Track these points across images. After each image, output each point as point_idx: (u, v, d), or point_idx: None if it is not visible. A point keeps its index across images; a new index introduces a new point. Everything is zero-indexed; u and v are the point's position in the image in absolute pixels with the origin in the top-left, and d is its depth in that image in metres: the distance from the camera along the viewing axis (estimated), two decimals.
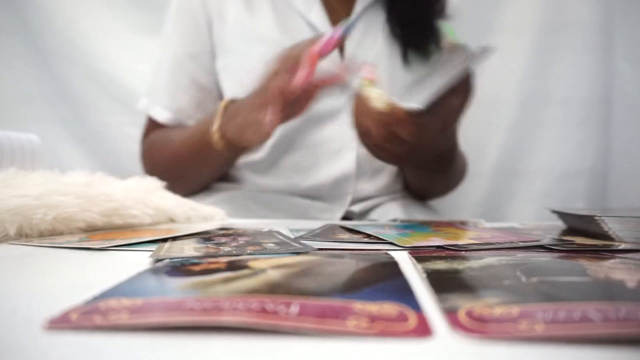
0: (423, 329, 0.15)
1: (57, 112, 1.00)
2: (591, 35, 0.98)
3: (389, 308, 0.17)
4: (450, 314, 0.16)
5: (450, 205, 0.96)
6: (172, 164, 0.67)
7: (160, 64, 0.73)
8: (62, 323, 0.15)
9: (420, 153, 0.50)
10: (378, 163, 0.71)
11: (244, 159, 0.70)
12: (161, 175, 0.52)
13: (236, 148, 0.58)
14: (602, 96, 0.99)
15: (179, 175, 0.54)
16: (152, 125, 0.74)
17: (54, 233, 0.37)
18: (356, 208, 0.71)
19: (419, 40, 0.70)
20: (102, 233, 0.38)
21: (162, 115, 0.71)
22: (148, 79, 0.77)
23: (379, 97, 0.45)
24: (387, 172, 0.74)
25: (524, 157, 1.02)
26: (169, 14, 0.73)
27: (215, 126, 0.57)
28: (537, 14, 0.99)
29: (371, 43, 0.69)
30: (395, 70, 0.68)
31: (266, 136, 0.53)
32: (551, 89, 1.00)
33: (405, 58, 0.69)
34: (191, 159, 0.65)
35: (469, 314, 0.16)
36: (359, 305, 0.17)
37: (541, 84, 1.00)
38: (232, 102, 0.58)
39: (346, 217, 0.71)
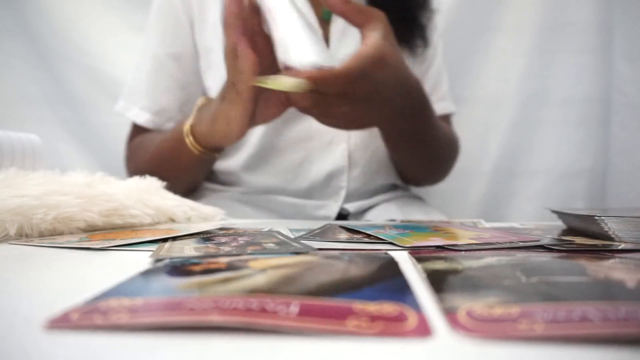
0: (423, 329, 0.15)
1: (57, 112, 1.00)
2: (591, 35, 0.98)
3: (389, 308, 0.17)
4: (450, 314, 0.16)
5: (450, 205, 0.96)
6: (150, 168, 0.64)
7: (140, 65, 0.72)
8: (62, 323, 0.15)
9: (375, 109, 0.48)
10: (370, 153, 0.71)
11: (233, 159, 0.70)
12: None
13: (209, 148, 0.56)
14: (601, 96, 0.99)
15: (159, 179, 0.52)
16: (136, 130, 0.72)
17: (54, 233, 0.37)
18: (352, 207, 0.70)
19: (402, 33, 0.69)
20: (102, 233, 0.38)
21: (142, 117, 0.69)
22: (127, 81, 0.75)
23: (293, 84, 0.40)
24: (381, 164, 0.73)
25: (523, 157, 1.02)
26: (150, 14, 0.72)
27: (187, 126, 0.55)
28: (537, 14, 0.99)
29: (355, 33, 0.69)
30: None
31: (235, 132, 0.50)
32: (551, 89, 1.01)
33: None
34: (167, 162, 0.62)
35: (469, 314, 0.16)
36: (359, 305, 0.17)
37: (541, 84, 1.01)
38: (208, 100, 0.56)
39: (341, 214, 0.71)
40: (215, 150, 0.58)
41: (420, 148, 0.65)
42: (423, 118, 0.58)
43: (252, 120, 0.51)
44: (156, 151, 0.65)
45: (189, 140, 0.55)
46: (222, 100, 0.50)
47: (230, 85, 0.48)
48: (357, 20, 0.47)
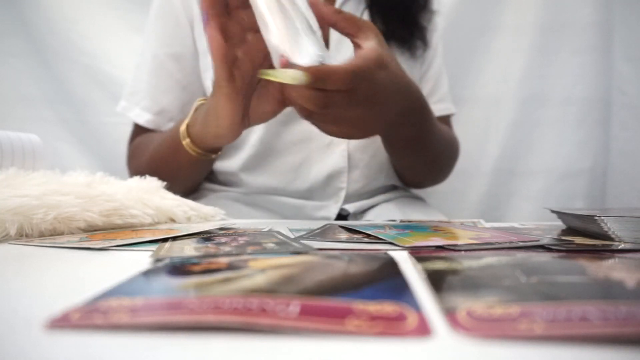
0: (423, 329, 0.15)
1: (57, 112, 1.00)
2: (591, 35, 0.98)
3: (389, 308, 0.17)
4: (450, 314, 0.16)
5: (450, 205, 0.97)
6: (150, 169, 0.63)
7: (141, 65, 0.71)
8: (62, 323, 0.15)
9: (377, 114, 0.46)
10: (369, 154, 0.70)
11: (233, 160, 0.70)
12: None
13: (205, 148, 0.54)
14: (601, 96, 0.99)
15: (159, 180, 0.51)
16: (138, 130, 0.72)
17: (54, 233, 0.37)
18: (351, 207, 0.70)
19: (401, 35, 0.69)
20: (102, 233, 0.38)
21: (143, 118, 0.69)
22: (128, 81, 0.74)
23: (294, 76, 0.38)
24: (381, 165, 0.73)
25: (523, 157, 1.02)
26: (150, 14, 0.72)
27: (183, 127, 0.54)
28: (537, 14, 0.99)
29: None
30: None
31: (227, 129, 0.47)
32: (551, 89, 1.01)
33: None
34: (166, 163, 0.61)
35: (469, 314, 0.16)
36: (359, 305, 0.17)
37: (541, 84, 1.01)
38: (205, 101, 0.54)
39: (341, 215, 0.71)
40: (212, 151, 0.56)
41: (420, 152, 0.65)
42: (423, 122, 0.57)
43: (246, 118, 0.49)
44: (155, 152, 0.64)
45: (185, 141, 0.54)
46: (211, 96, 0.48)
47: (215, 80, 0.46)
48: (349, 30, 0.46)
